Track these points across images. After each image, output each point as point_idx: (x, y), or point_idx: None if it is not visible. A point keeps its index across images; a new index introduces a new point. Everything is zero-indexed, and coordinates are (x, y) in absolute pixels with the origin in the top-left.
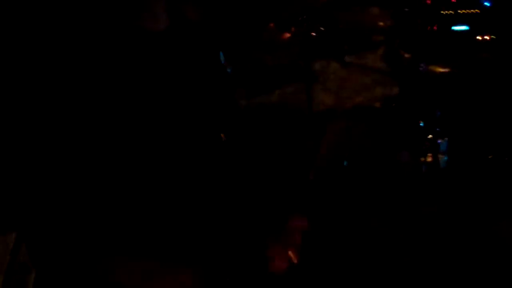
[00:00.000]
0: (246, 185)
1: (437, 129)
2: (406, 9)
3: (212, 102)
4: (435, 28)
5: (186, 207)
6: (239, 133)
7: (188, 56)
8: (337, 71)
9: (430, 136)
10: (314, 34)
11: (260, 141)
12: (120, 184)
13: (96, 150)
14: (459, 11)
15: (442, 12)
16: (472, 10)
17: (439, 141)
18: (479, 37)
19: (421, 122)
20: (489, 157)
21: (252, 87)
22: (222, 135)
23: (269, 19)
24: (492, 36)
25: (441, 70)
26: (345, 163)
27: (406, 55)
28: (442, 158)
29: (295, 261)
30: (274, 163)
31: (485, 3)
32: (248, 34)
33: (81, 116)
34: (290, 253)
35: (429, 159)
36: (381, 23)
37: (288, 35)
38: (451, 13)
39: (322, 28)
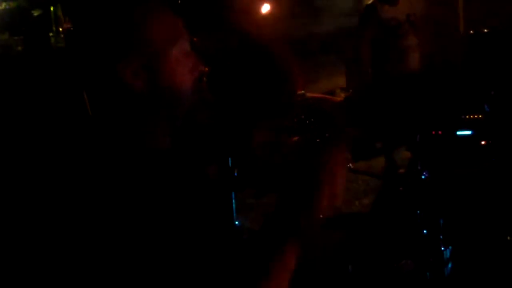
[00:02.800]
0: None
1: (441, 237)
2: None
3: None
4: (440, 133)
5: None
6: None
7: (199, 160)
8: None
9: (433, 244)
10: (319, 140)
11: None
12: None
13: None
14: (463, 116)
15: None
16: (475, 116)
17: (442, 248)
18: (483, 142)
19: (425, 229)
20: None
21: (260, 187)
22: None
23: (278, 123)
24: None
25: (445, 175)
26: (349, 268)
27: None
28: (446, 266)
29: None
30: None
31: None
32: (255, 136)
33: None
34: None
35: (433, 267)
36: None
37: (296, 138)
38: (455, 118)
39: (327, 135)
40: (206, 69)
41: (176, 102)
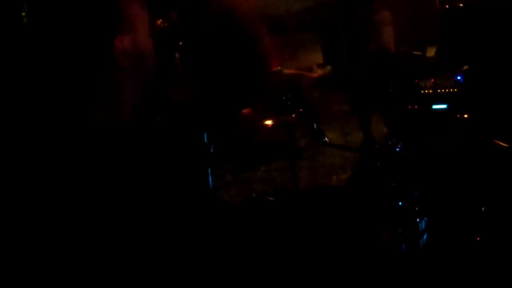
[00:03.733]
0: None
1: (416, 209)
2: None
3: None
4: (416, 107)
5: None
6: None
7: (173, 137)
8: (321, 149)
9: (409, 216)
10: (294, 116)
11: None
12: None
13: None
14: (438, 90)
15: (422, 91)
16: (451, 89)
17: (417, 220)
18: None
19: (400, 202)
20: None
21: (238, 163)
22: None
23: (255, 100)
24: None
25: (420, 149)
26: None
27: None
28: (421, 237)
29: None
30: None
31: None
32: (235, 114)
33: None
34: None
35: (408, 239)
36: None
37: (273, 116)
38: (430, 93)
39: (301, 110)
40: (180, 43)
41: (146, 74)
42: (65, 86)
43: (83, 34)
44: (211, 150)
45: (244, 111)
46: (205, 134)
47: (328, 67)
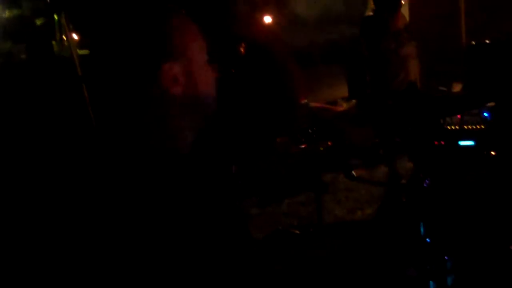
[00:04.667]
0: None
1: (443, 246)
2: (410, 128)
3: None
4: (442, 143)
5: None
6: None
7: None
8: (347, 183)
9: (436, 253)
10: (322, 149)
11: None
12: None
13: None
14: (465, 126)
15: (448, 127)
16: (477, 126)
17: (446, 257)
18: (485, 152)
19: (428, 238)
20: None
21: (264, 196)
22: None
23: (282, 132)
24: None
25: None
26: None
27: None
28: (449, 275)
29: None
30: None
31: (485, 115)
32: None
33: None
34: None
35: (436, 276)
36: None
37: (300, 147)
38: (457, 128)
39: (329, 143)
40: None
41: (203, 107)
42: (124, 109)
43: (135, 59)
44: (239, 183)
45: (277, 141)
46: (233, 166)
47: (353, 101)
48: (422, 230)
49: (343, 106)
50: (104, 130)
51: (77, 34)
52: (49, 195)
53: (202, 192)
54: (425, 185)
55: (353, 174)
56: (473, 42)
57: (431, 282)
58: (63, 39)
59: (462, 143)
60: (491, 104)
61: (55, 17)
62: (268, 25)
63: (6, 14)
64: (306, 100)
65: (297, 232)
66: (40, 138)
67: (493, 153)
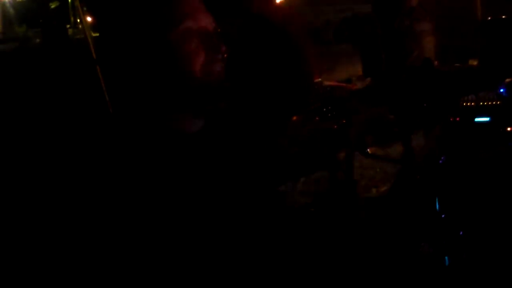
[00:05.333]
0: None
1: (459, 221)
2: (426, 105)
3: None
4: (457, 119)
5: None
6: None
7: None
8: (361, 161)
9: (452, 228)
10: (336, 126)
11: None
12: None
13: None
14: (480, 103)
15: (464, 104)
16: (493, 102)
17: (461, 232)
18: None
19: (443, 214)
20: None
21: (278, 175)
22: None
23: (296, 110)
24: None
25: (463, 161)
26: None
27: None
28: (465, 250)
29: None
30: None
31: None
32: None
33: None
34: None
35: (451, 251)
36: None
37: (314, 125)
38: (473, 105)
39: (344, 121)
40: (225, 54)
41: (217, 84)
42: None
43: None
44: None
45: (291, 119)
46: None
47: (368, 79)
48: (437, 206)
49: (357, 85)
50: (120, 112)
51: (90, 17)
52: (63, 181)
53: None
54: (440, 161)
55: (368, 151)
56: (489, 18)
57: (446, 258)
58: (77, 22)
59: (478, 119)
60: (507, 79)
61: (69, 0)
62: (283, 3)
63: None
64: (320, 79)
65: (312, 210)
66: (55, 122)
67: (509, 129)
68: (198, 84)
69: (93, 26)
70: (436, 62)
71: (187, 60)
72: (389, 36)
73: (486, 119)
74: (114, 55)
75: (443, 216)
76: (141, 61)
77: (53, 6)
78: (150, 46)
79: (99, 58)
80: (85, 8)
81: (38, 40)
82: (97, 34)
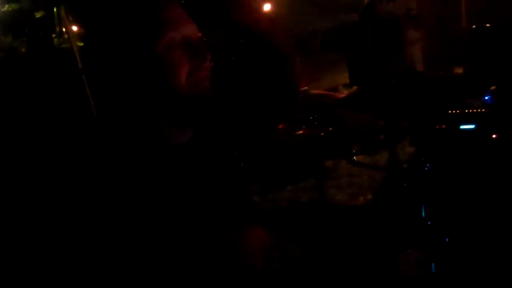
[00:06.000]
0: None
1: (446, 228)
2: (412, 112)
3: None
4: (443, 126)
5: None
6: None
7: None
8: (348, 169)
9: (438, 235)
10: (323, 134)
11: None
12: None
13: None
14: (466, 110)
15: (450, 111)
16: (479, 110)
17: (447, 239)
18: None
19: (429, 221)
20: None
21: (265, 184)
22: None
23: (282, 119)
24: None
25: (448, 168)
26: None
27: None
28: (452, 256)
29: None
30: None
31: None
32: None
33: None
34: None
35: (438, 258)
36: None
37: (301, 134)
38: (458, 112)
39: (330, 129)
40: (211, 64)
41: (203, 95)
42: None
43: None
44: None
45: (278, 127)
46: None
47: (354, 87)
48: (423, 213)
49: (344, 93)
50: (106, 123)
51: (76, 26)
52: (51, 190)
53: (207, 179)
54: (426, 168)
55: (354, 159)
56: (474, 26)
57: (433, 264)
58: (63, 31)
59: (463, 126)
60: (492, 87)
61: (54, 9)
62: (268, 13)
63: (5, 8)
64: (306, 87)
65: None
66: (41, 132)
67: (494, 136)
68: (184, 94)
69: (79, 36)
70: (422, 70)
71: (172, 70)
72: (375, 44)
73: (472, 126)
74: (100, 65)
75: (429, 222)
76: (126, 71)
77: (38, 15)
78: (135, 56)
79: (85, 68)
80: (70, 18)
81: (23, 50)
82: (83, 44)
